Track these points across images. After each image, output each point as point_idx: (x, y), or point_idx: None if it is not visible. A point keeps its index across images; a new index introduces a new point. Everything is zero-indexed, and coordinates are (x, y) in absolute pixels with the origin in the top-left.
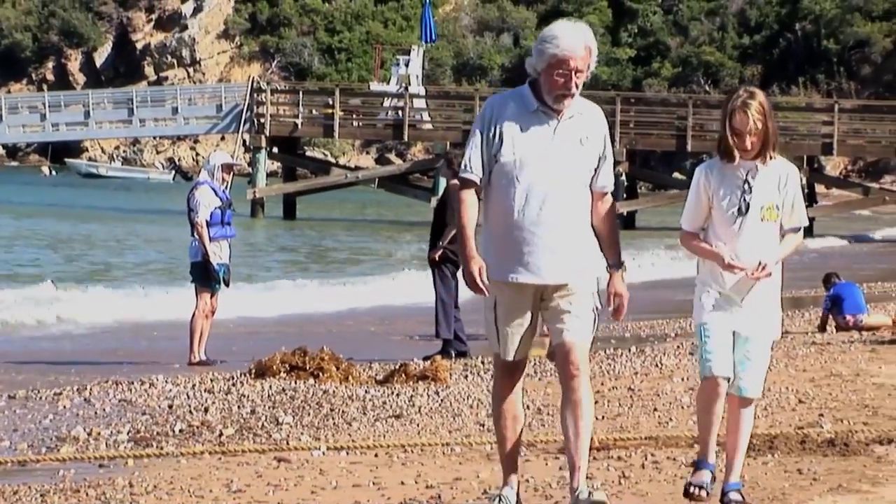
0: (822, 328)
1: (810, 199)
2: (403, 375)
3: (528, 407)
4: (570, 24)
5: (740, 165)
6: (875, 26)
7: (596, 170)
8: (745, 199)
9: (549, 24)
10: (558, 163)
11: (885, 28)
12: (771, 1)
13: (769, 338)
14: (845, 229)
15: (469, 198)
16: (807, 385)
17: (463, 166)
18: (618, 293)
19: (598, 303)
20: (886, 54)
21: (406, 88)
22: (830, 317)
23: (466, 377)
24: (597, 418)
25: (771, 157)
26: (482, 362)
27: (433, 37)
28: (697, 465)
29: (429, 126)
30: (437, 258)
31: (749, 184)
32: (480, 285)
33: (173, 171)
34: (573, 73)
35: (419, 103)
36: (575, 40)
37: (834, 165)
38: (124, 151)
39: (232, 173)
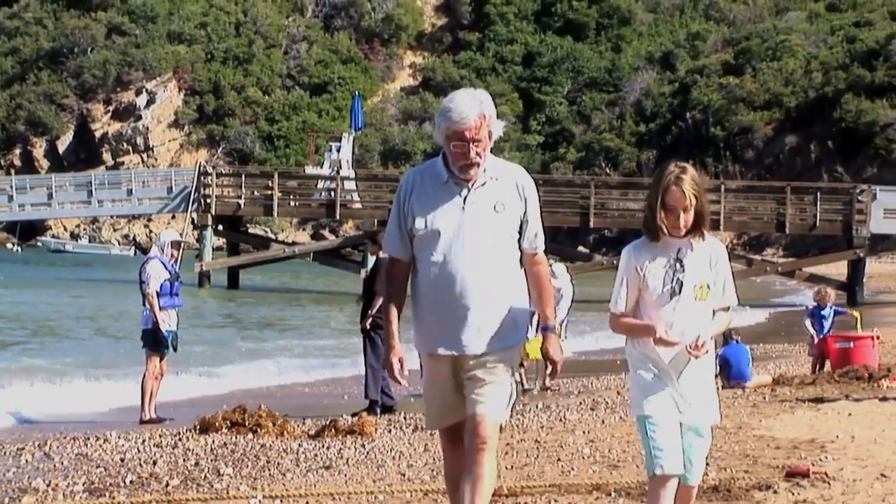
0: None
1: None
2: (333, 430)
3: None
4: (465, 93)
5: (670, 244)
6: (757, 115)
7: (521, 233)
8: (677, 279)
9: (450, 94)
10: (471, 233)
11: (765, 117)
12: (664, 93)
13: (711, 423)
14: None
15: (394, 279)
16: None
17: (385, 243)
18: (551, 359)
19: (515, 376)
20: (767, 140)
21: (338, 172)
22: (718, 375)
23: (390, 431)
24: (506, 468)
25: (703, 237)
26: (404, 418)
27: (362, 125)
28: None
29: (358, 205)
30: (368, 327)
31: (681, 262)
32: (398, 378)
33: (133, 248)
34: (470, 143)
35: (349, 185)
36: (467, 110)
37: (721, 240)
38: (84, 229)
39: (180, 249)
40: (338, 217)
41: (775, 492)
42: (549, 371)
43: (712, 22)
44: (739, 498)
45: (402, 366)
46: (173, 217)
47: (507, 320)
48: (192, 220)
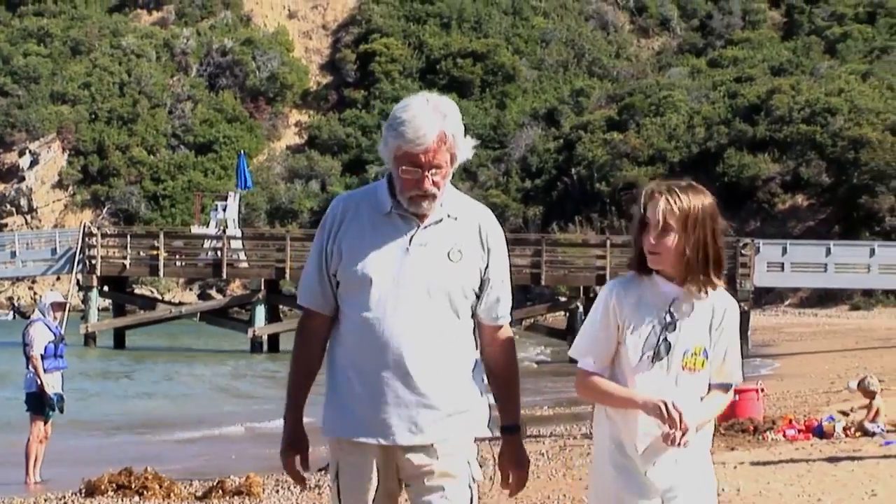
0: None
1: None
2: (221, 491)
3: None
4: (424, 102)
5: (663, 290)
6: (641, 170)
7: (479, 294)
8: (665, 338)
9: (404, 100)
10: (415, 283)
11: (649, 172)
12: (549, 149)
13: None
14: None
15: (308, 338)
16: (582, 492)
17: (299, 290)
18: (514, 468)
19: (475, 473)
20: None
21: (224, 231)
22: None
23: (278, 492)
24: None
25: (709, 284)
26: None
27: (248, 184)
28: None
29: (245, 265)
30: None
31: (673, 316)
32: (298, 475)
33: (12, 311)
34: (426, 169)
35: (236, 244)
36: (426, 127)
37: None
38: None
39: (64, 310)
40: (224, 276)
41: None
42: (507, 485)
43: (596, 78)
44: None
45: (304, 460)
46: (58, 279)
47: (459, 404)
48: (78, 281)
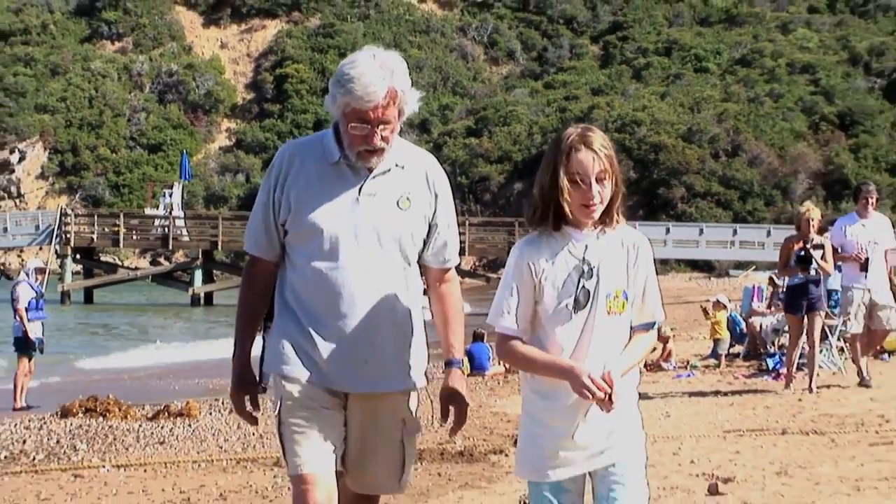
0: None
1: None
2: (167, 413)
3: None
4: (371, 58)
5: (573, 237)
6: (492, 167)
7: (426, 240)
8: (583, 286)
9: (350, 56)
10: (367, 233)
11: (499, 168)
12: None
13: (639, 462)
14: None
15: (254, 284)
16: (499, 423)
17: (246, 238)
18: (456, 399)
19: (418, 424)
20: (500, 186)
21: (170, 212)
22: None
23: (211, 413)
24: None
25: (617, 221)
26: (222, 403)
27: (189, 176)
28: None
29: (186, 238)
30: None
31: (589, 263)
32: (251, 415)
33: (1, 275)
34: (374, 125)
35: (179, 223)
36: (375, 83)
37: (466, 262)
38: None
39: (44, 274)
40: (170, 248)
41: (506, 455)
42: (451, 420)
43: (458, 96)
44: (479, 460)
45: (254, 399)
46: (40, 249)
47: (407, 353)
48: (56, 250)
